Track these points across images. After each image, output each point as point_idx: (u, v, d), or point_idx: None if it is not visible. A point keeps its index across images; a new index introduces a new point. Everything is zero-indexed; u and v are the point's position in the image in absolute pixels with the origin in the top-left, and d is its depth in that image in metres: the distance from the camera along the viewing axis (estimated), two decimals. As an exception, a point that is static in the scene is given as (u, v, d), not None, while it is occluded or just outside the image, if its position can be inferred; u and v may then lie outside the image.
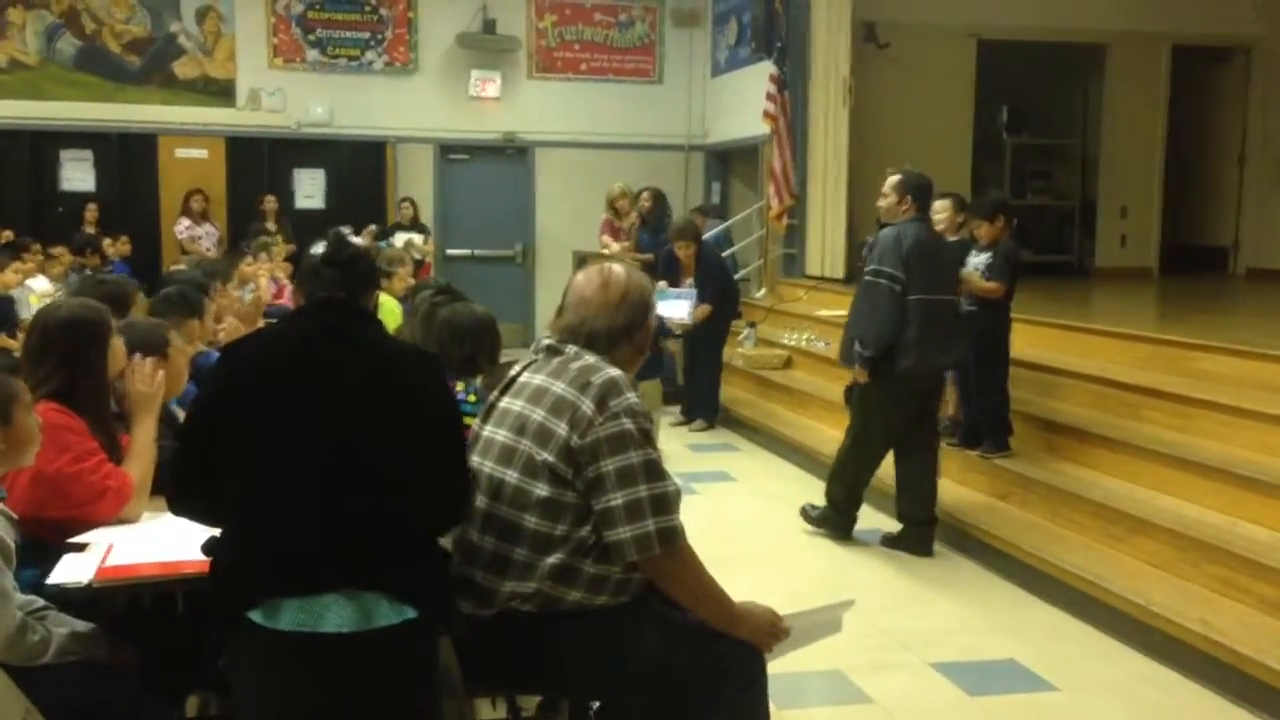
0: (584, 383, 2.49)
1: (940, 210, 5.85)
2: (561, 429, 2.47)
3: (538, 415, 2.52)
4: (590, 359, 2.56)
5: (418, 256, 10.46)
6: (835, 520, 5.66)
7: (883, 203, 5.40)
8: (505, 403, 2.64)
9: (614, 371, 2.53)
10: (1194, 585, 4.44)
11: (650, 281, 2.80)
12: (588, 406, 2.46)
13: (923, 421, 5.45)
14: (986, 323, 5.72)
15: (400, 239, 10.73)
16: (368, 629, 2.21)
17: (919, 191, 5.33)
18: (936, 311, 5.22)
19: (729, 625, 2.60)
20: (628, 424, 2.45)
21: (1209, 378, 5.75)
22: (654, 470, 2.47)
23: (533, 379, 2.61)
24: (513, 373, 2.71)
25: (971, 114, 11.74)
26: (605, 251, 9.18)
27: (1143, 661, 4.23)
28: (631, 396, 2.49)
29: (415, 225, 11.38)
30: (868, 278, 5.25)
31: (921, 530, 5.46)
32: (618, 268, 2.70)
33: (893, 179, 5.37)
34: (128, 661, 2.59)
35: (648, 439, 2.49)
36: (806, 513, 5.79)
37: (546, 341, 2.67)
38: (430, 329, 3.65)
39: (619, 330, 2.62)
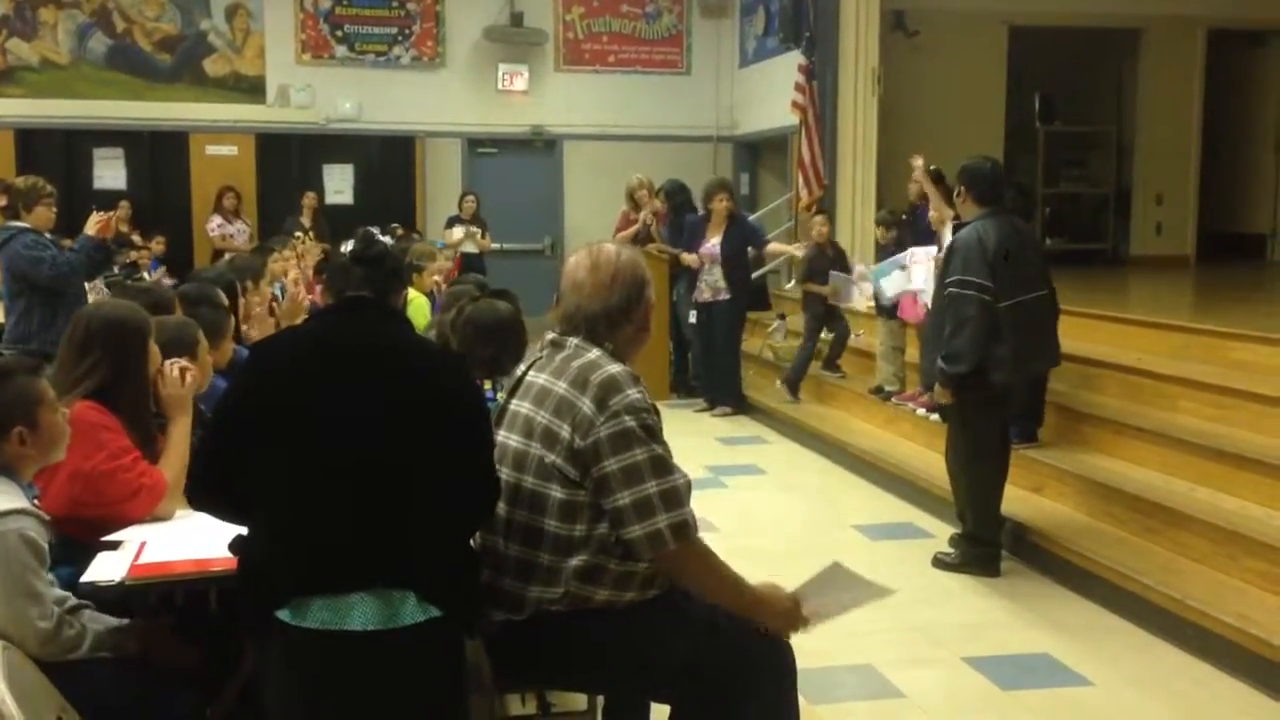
0: (583, 381, 2.47)
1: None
2: (565, 431, 2.46)
3: (543, 418, 2.51)
4: (592, 354, 2.54)
5: (473, 249, 10.67)
6: (979, 555, 5.02)
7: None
8: (514, 405, 2.63)
9: (614, 368, 2.50)
10: (1231, 579, 4.38)
11: (644, 259, 2.73)
12: (588, 407, 2.44)
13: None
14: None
15: (459, 231, 10.95)
16: (393, 627, 2.22)
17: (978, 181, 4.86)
18: (1030, 314, 4.77)
19: (748, 613, 2.58)
20: (629, 421, 2.43)
21: (1246, 367, 5.68)
22: (660, 466, 2.45)
23: (538, 379, 2.59)
24: (519, 371, 2.70)
25: (1003, 102, 11.67)
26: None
27: (1178, 655, 4.18)
28: (633, 393, 2.47)
29: (475, 219, 11.38)
30: (952, 289, 4.71)
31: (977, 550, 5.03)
32: (608, 247, 2.66)
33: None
34: (190, 661, 2.62)
35: (652, 435, 2.46)
36: (942, 561, 5.09)
37: (551, 336, 2.65)
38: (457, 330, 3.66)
39: (615, 311, 2.58)
